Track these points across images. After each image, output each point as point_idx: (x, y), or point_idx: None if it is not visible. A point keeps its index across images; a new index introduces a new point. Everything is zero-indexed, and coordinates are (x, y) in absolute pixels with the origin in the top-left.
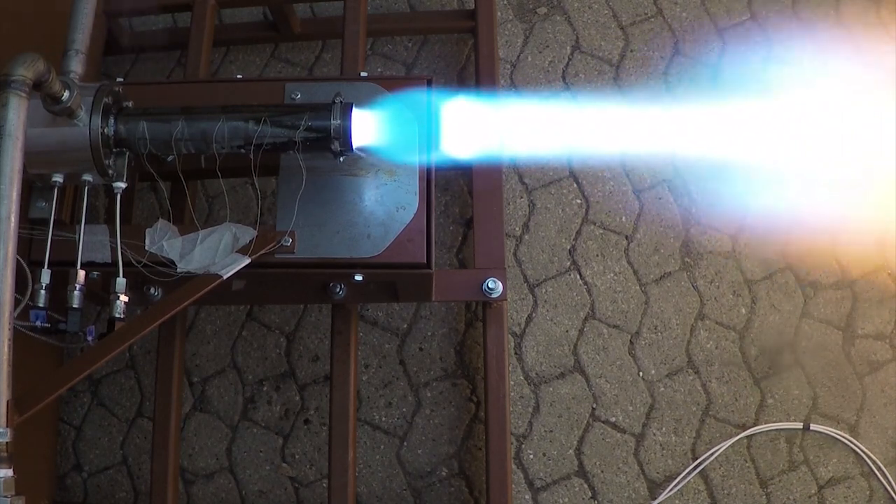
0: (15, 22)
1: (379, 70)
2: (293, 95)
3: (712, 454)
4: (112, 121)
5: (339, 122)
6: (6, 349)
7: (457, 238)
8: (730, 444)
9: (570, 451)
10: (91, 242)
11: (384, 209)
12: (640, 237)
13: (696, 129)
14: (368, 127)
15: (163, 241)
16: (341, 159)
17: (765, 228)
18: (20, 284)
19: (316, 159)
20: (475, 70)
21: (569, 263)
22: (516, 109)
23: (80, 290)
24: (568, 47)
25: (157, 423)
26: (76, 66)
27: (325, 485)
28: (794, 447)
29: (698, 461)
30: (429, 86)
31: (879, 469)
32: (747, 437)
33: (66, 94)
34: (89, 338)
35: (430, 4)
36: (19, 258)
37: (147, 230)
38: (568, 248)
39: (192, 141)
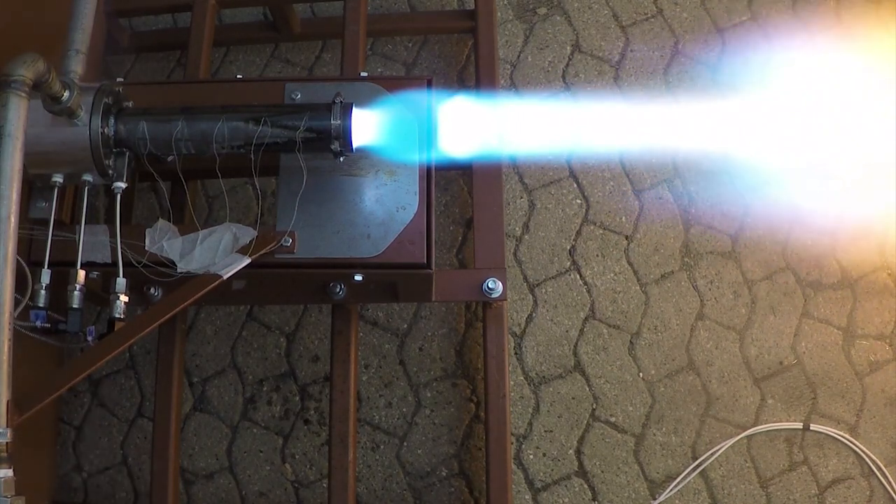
0: (15, 22)
1: (379, 70)
2: (293, 95)
3: (712, 454)
4: (112, 121)
5: (339, 122)
6: (6, 349)
7: (457, 238)
8: (730, 444)
9: (570, 451)
10: (91, 242)
11: (384, 209)
12: (640, 237)
13: (696, 129)
14: (368, 127)
15: (163, 241)
16: (341, 159)
17: (765, 228)
18: (20, 284)
19: (316, 159)
20: (475, 70)
21: (569, 263)
22: (516, 109)
23: (80, 290)
24: (568, 47)
25: (157, 423)
26: (76, 66)
27: (325, 485)
28: (794, 447)
29: (698, 461)
30: (429, 86)
31: (879, 469)
32: (747, 437)
33: (66, 94)
34: (89, 338)
35: (430, 4)
36: (19, 258)
37: (147, 230)
38: (568, 248)
39: (192, 141)
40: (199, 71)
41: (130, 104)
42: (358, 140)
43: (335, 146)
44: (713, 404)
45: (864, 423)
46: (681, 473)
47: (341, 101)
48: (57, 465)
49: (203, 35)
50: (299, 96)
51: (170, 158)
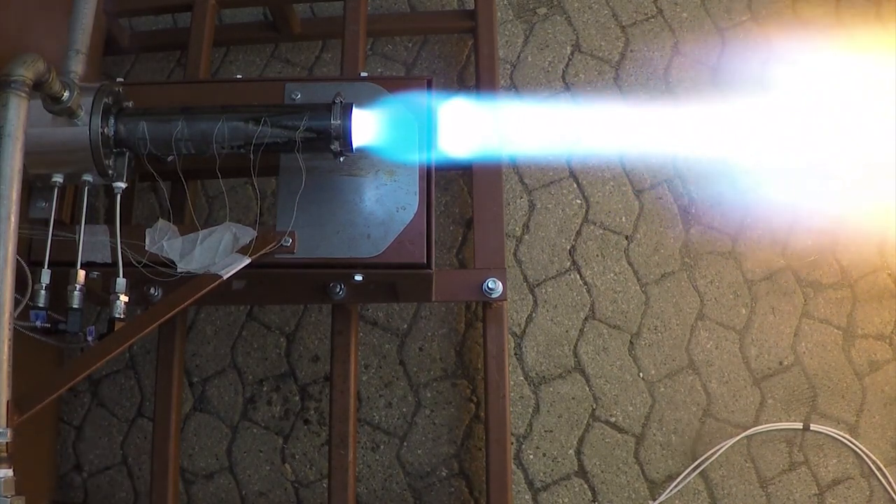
0: (15, 22)
1: (379, 70)
2: (293, 95)
3: (712, 454)
4: (112, 121)
5: (339, 122)
6: (6, 349)
7: (457, 238)
8: (730, 444)
9: (570, 451)
10: (91, 242)
11: (384, 209)
12: (640, 237)
13: (696, 130)
14: (368, 127)
15: (163, 241)
16: (341, 159)
17: (765, 228)
18: (20, 284)
19: (316, 159)
20: (475, 70)
21: (569, 263)
22: (516, 109)
23: (80, 290)
24: (568, 47)
25: (157, 423)
26: (76, 66)
27: (325, 485)
28: (794, 447)
29: (698, 461)
30: (429, 86)
31: (879, 469)
32: (747, 437)
33: (66, 94)
34: (89, 338)
35: (430, 4)
36: (19, 258)
37: (147, 230)
38: (568, 248)
39: (192, 141)
40: (199, 71)
41: (130, 104)
42: (358, 140)
43: (335, 146)
44: (713, 404)
45: (864, 423)
46: (681, 473)
47: (341, 101)
48: (57, 465)
49: (203, 35)
50: (299, 96)
51: (170, 158)
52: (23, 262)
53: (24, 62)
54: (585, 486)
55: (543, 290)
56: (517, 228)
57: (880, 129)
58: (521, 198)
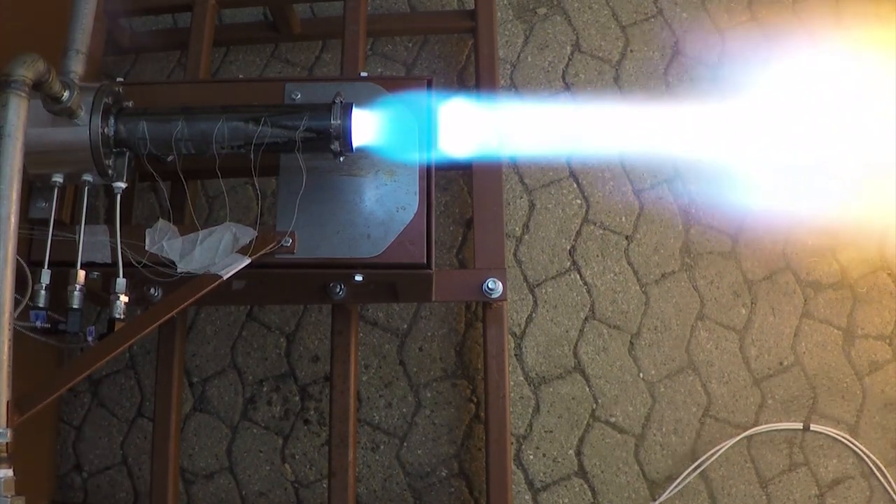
0: (15, 22)
1: (379, 70)
2: (293, 95)
3: (712, 454)
4: (112, 121)
5: (339, 122)
6: (6, 349)
7: (457, 238)
8: (730, 444)
9: (570, 451)
10: (91, 242)
11: (384, 209)
12: (640, 237)
13: (696, 130)
14: (368, 127)
15: (163, 241)
16: (341, 159)
17: (765, 228)
18: (20, 284)
19: (316, 159)
20: (475, 70)
21: (569, 263)
22: (516, 109)
23: (80, 290)
24: (568, 47)
25: (157, 423)
26: (76, 66)
27: (325, 485)
28: (794, 447)
29: (698, 461)
30: (429, 86)
31: (879, 469)
32: (747, 437)
33: (66, 94)
34: (89, 338)
35: (430, 4)
36: (19, 258)
37: (147, 230)
38: (568, 248)
39: (192, 141)
40: (199, 71)
41: (130, 104)
42: (358, 140)
43: (335, 146)
44: (713, 404)
45: (864, 423)
46: (681, 474)
47: (341, 101)
48: (57, 465)
49: (203, 35)
50: (299, 96)
51: (170, 158)
52: (23, 262)
53: (24, 62)
54: (585, 486)
55: (543, 290)
56: (517, 228)
57: (880, 129)
58: (521, 198)
